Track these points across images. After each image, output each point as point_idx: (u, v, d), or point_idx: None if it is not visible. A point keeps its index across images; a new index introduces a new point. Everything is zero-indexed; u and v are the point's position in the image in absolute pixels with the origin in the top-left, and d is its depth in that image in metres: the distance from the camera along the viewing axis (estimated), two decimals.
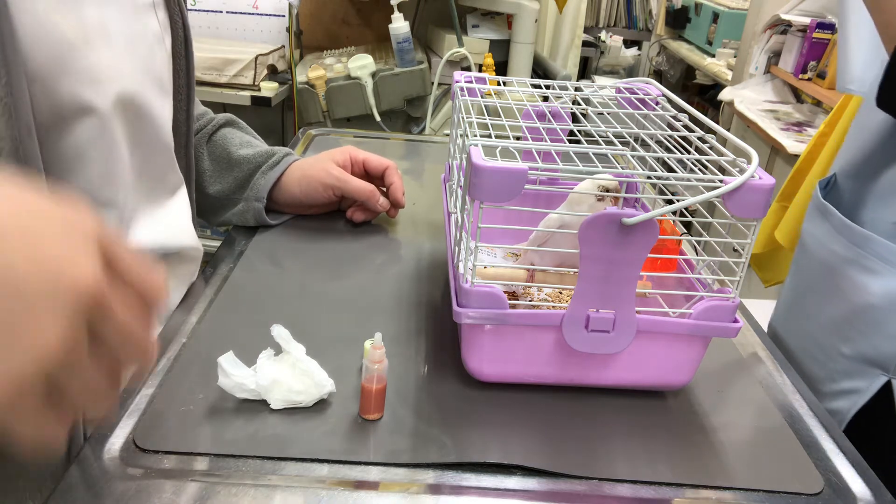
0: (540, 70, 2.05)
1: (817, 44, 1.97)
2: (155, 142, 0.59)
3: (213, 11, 2.09)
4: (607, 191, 0.56)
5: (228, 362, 0.49)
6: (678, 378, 0.56)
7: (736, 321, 0.54)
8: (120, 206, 0.54)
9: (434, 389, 0.55)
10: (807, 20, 2.01)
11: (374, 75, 1.81)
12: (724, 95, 2.22)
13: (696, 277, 0.59)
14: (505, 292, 0.54)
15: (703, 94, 3.16)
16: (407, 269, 0.73)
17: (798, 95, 2.15)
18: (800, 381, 0.63)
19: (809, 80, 2.01)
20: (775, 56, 2.19)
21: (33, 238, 0.28)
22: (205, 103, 1.88)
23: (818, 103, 2.06)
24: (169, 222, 0.62)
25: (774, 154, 1.94)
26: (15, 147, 0.41)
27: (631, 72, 3.68)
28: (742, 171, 0.49)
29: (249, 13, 2.10)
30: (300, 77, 1.83)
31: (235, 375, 0.49)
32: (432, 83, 1.84)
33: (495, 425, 0.52)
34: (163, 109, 0.60)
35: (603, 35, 3.63)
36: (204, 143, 0.79)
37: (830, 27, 1.96)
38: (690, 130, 0.59)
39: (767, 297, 1.77)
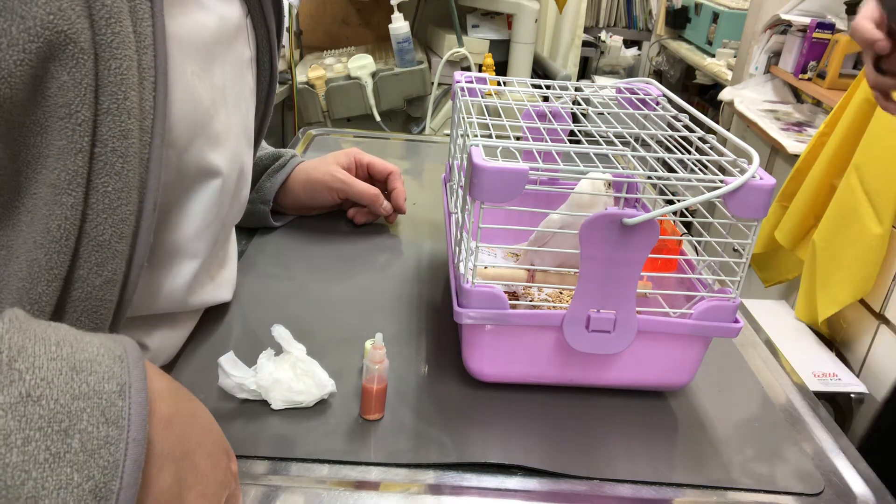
0: (540, 70, 2.05)
1: (817, 44, 1.97)
2: (245, 195, 0.59)
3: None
4: (605, 191, 0.56)
5: (229, 363, 0.49)
6: (679, 378, 0.56)
7: (737, 321, 0.54)
8: (206, 258, 0.54)
9: (434, 389, 0.55)
10: (807, 20, 2.01)
11: (374, 75, 1.81)
12: (724, 95, 2.22)
13: (696, 278, 0.59)
14: (505, 292, 0.54)
15: (703, 94, 3.16)
16: (407, 269, 0.73)
17: (798, 95, 2.15)
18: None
19: (809, 80, 2.00)
20: (775, 56, 2.19)
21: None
22: None
23: (818, 103, 2.06)
24: (229, 277, 0.63)
25: (774, 154, 1.94)
26: (138, 222, 0.40)
27: (631, 72, 3.68)
28: (742, 171, 0.49)
29: None
30: (300, 77, 1.83)
31: (236, 376, 0.49)
32: (432, 83, 1.84)
33: (496, 425, 0.52)
34: (250, 162, 0.60)
35: (603, 35, 3.63)
36: None
37: (830, 27, 1.96)
38: (691, 130, 0.59)
39: (768, 296, 1.77)
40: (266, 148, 0.81)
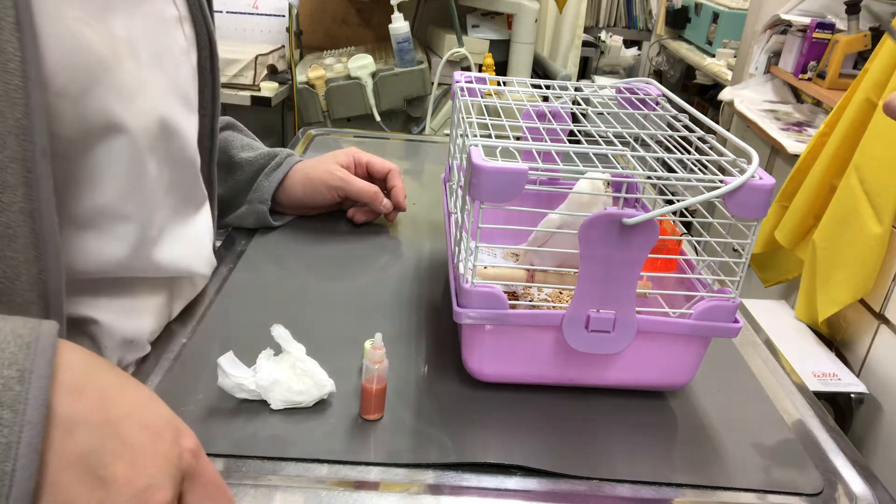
0: (540, 70, 2.05)
1: (817, 44, 1.97)
2: (182, 159, 0.58)
3: (214, 11, 2.09)
4: (605, 191, 0.56)
5: (228, 362, 0.49)
6: (678, 378, 0.56)
7: (736, 321, 0.54)
8: (143, 222, 0.53)
9: (434, 389, 0.55)
10: (807, 20, 2.01)
11: (374, 75, 1.81)
12: (724, 95, 2.22)
13: (696, 277, 0.59)
14: (505, 292, 0.54)
15: (703, 94, 3.16)
16: (407, 269, 0.73)
17: (798, 95, 2.15)
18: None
19: (809, 80, 2.00)
20: (775, 56, 2.19)
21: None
22: None
23: (818, 103, 2.06)
24: (192, 245, 0.62)
25: (774, 154, 1.94)
26: (27, 169, 0.40)
27: (631, 72, 3.68)
28: (742, 171, 0.49)
29: (249, 13, 2.10)
30: (300, 77, 1.83)
31: (235, 376, 0.49)
32: (432, 83, 1.84)
33: (495, 425, 0.52)
34: (189, 126, 0.59)
35: (603, 35, 3.63)
36: None
37: (830, 27, 1.96)
38: (690, 130, 0.59)
39: (768, 296, 1.77)
40: (262, 148, 0.81)
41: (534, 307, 0.57)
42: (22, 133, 0.39)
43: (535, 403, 0.55)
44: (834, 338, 1.55)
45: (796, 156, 1.70)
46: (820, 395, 1.36)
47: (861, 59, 1.91)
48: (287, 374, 0.50)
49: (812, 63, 2.00)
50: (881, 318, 1.41)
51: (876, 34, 1.86)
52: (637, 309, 0.52)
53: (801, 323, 1.58)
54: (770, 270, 1.77)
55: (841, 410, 1.41)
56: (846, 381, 1.40)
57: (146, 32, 0.52)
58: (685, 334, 0.54)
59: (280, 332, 0.50)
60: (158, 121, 0.53)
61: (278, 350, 0.51)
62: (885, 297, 1.39)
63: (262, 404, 0.51)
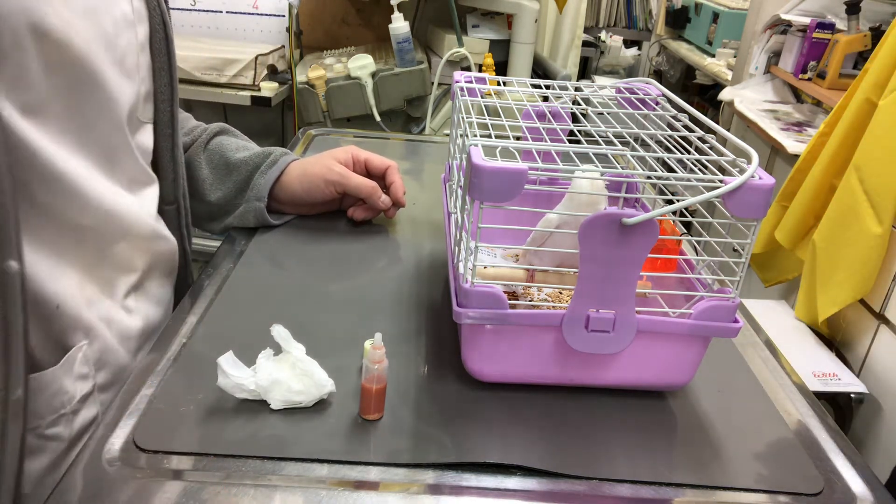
0: (540, 70, 2.05)
1: (817, 44, 1.97)
2: (101, 112, 0.56)
3: (213, 11, 2.09)
4: (604, 191, 0.56)
5: (228, 362, 0.49)
6: (678, 378, 0.56)
7: (736, 321, 0.54)
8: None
9: (434, 389, 0.55)
10: (807, 20, 2.01)
11: (374, 75, 1.80)
12: (724, 95, 2.22)
13: (696, 277, 0.59)
14: (505, 292, 0.54)
15: (703, 94, 3.16)
16: (407, 269, 0.73)
17: (798, 95, 2.15)
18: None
19: (809, 80, 2.00)
20: (775, 56, 2.19)
21: None
22: (205, 103, 1.88)
23: (818, 103, 2.05)
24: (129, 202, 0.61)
25: (774, 154, 1.94)
26: None
27: (631, 72, 3.68)
28: (742, 171, 0.49)
29: (249, 13, 2.10)
30: (300, 77, 1.83)
31: (235, 376, 0.49)
32: (432, 83, 1.84)
33: (495, 425, 0.52)
34: (121, 90, 0.57)
35: (603, 35, 3.62)
36: (201, 153, 0.79)
37: (830, 27, 1.96)
38: (690, 130, 0.59)
39: (768, 296, 1.77)
40: (257, 148, 0.81)
41: (534, 307, 0.57)
42: None
43: (534, 403, 0.55)
44: (834, 338, 1.54)
45: (796, 156, 1.70)
46: (820, 395, 1.36)
47: (861, 59, 1.91)
48: (287, 374, 0.50)
49: (812, 63, 2.00)
50: (881, 318, 1.41)
51: (876, 34, 1.86)
52: (637, 309, 0.52)
53: (801, 323, 1.58)
54: (770, 270, 1.77)
55: (841, 410, 1.41)
56: (846, 381, 1.40)
57: None
58: (685, 334, 0.54)
59: (280, 332, 0.50)
60: (80, 69, 0.52)
61: (278, 350, 0.51)
62: (886, 297, 1.39)
63: (262, 404, 0.51)
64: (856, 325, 1.48)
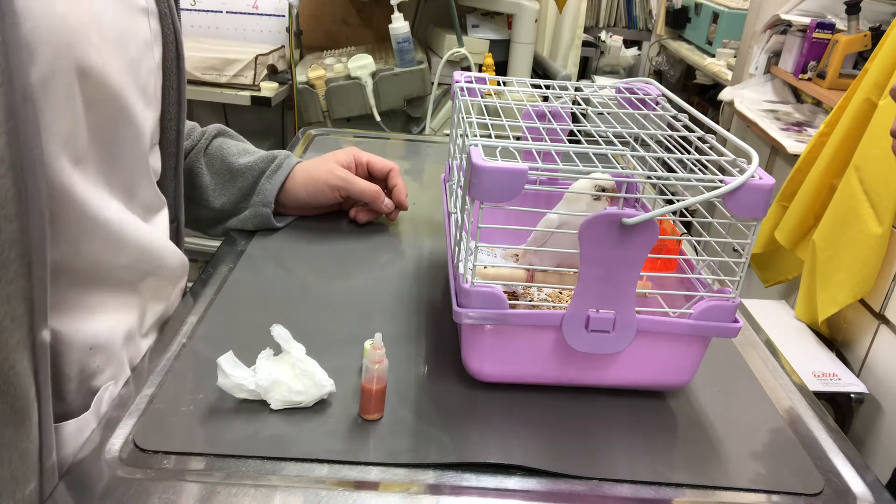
0: (540, 70, 2.05)
1: (817, 44, 1.97)
2: (129, 146, 0.55)
3: (213, 11, 2.09)
4: (603, 190, 0.56)
5: (228, 362, 0.49)
6: (678, 378, 0.56)
7: (736, 321, 0.54)
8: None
9: (434, 389, 0.55)
10: (807, 20, 2.01)
11: (374, 75, 1.81)
12: (724, 95, 2.22)
13: (696, 277, 0.59)
14: (505, 292, 0.54)
15: (703, 94, 3.16)
16: (407, 268, 0.73)
17: (798, 95, 2.15)
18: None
19: (809, 80, 2.00)
20: (775, 56, 2.19)
21: None
22: (205, 104, 1.89)
23: (818, 103, 2.05)
24: (145, 232, 0.59)
25: (774, 154, 1.94)
26: (8, 116, 0.37)
27: (631, 72, 3.68)
28: (742, 171, 0.49)
29: (249, 13, 2.10)
30: (300, 77, 1.83)
31: (235, 376, 0.49)
32: (432, 83, 1.84)
33: (495, 425, 0.52)
34: (145, 119, 0.56)
35: (603, 35, 3.62)
36: (201, 159, 0.78)
37: (830, 27, 1.96)
38: (690, 130, 0.59)
39: (768, 296, 1.77)
40: (259, 152, 0.81)
41: (534, 307, 0.57)
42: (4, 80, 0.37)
43: (534, 403, 0.55)
44: (834, 338, 1.54)
45: (796, 156, 1.70)
46: (820, 395, 1.36)
47: (861, 59, 1.91)
48: (287, 374, 0.50)
49: (812, 63, 2.00)
50: (881, 318, 1.41)
51: (876, 34, 1.86)
52: (637, 309, 0.52)
53: (802, 323, 1.58)
54: (770, 270, 1.77)
55: (841, 410, 1.41)
56: (846, 381, 1.40)
57: (111, 13, 0.50)
58: (685, 334, 0.54)
59: (280, 332, 0.50)
60: (113, 100, 0.50)
61: (278, 350, 0.51)
62: (886, 297, 1.39)
63: (262, 404, 0.51)
64: (856, 325, 1.48)
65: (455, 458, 0.48)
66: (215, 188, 0.78)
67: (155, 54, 0.58)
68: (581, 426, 0.53)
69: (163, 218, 0.63)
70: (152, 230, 0.60)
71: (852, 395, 1.39)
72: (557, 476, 0.48)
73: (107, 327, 0.53)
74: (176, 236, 0.68)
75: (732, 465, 0.51)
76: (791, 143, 1.79)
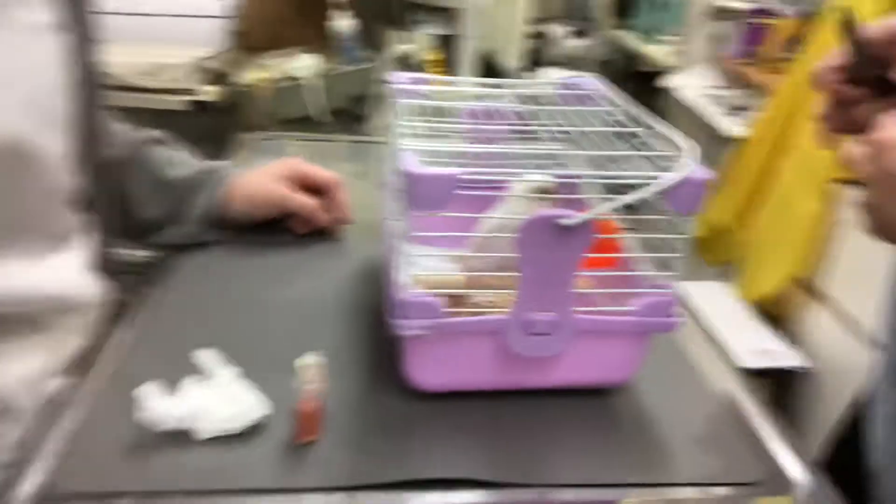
0: (487, 65, 2.04)
1: (756, 29, 2.01)
2: (35, 186, 0.51)
3: (147, 14, 2.02)
4: (542, 192, 0.55)
5: (149, 393, 0.46)
6: (622, 374, 0.56)
7: (676, 315, 0.53)
8: None
9: (374, 404, 0.53)
10: (746, 6, 2.04)
11: (318, 76, 1.77)
12: (668, 82, 2.24)
13: (636, 274, 0.58)
14: (446, 297, 0.52)
15: (648, 81, 3.20)
16: (348, 276, 0.71)
17: (739, 80, 2.19)
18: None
19: (750, 64, 2.04)
20: (717, 42, 2.23)
21: None
22: (141, 110, 1.82)
23: (758, 88, 2.10)
24: (45, 275, 0.56)
25: (717, 139, 1.97)
26: None
27: (578, 63, 3.70)
28: (681, 166, 0.49)
29: (187, 15, 2.04)
30: (241, 80, 1.78)
31: (157, 406, 0.46)
32: (378, 81, 1.82)
33: (439, 437, 0.51)
34: (50, 147, 0.52)
35: (549, 26, 3.63)
36: (132, 168, 0.74)
37: (768, 13, 2.00)
38: (632, 126, 0.58)
39: (710, 278, 1.79)
40: (195, 163, 0.77)
41: (476, 312, 0.56)
42: None
43: (478, 410, 0.54)
44: (773, 315, 1.58)
45: (738, 139, 1.73)
46: (760, 372, 1.39)
47: (797, 43, 1.95)
48: (214, 399, 0.47)
49: (752, 48, 2.03)
50: (818, 296, 1.45)
51: (811, 19, 1.91)
52: (578, 309, 0.51)
53: (742, 302, 1.62)
54: (713, 252, 1.80)
55: (782, 386, 1.45)
56: (786, 357, 1.44)
57: (1, 45, 0.47)
58: (626, 332, 0.53)
59: (205, 357, 0.48)
60: (17, 140, 0.47)
61: (204, 374, 0.49)
62: (823, 275, 1.43)
63: (189, 434, 0.48)
64: (794, 301, 1.52)
65: (397, 477, 0.46)
66: (145, 200, 0.74)
67: (61, 71, 0.54)
68: (525, 431, 0.52)
69: (77, 244, 0.59)
70: (54, 268, 0.56)
71: (793, 371, 1.42)
72: (503, 486, 0.47)
73: (12, 376, 0.51)
74: (102, 257, 0.65)
75: (675, 459, 0.51)
76: (732, 128, 1.82)
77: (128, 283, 0.69)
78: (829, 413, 1.36)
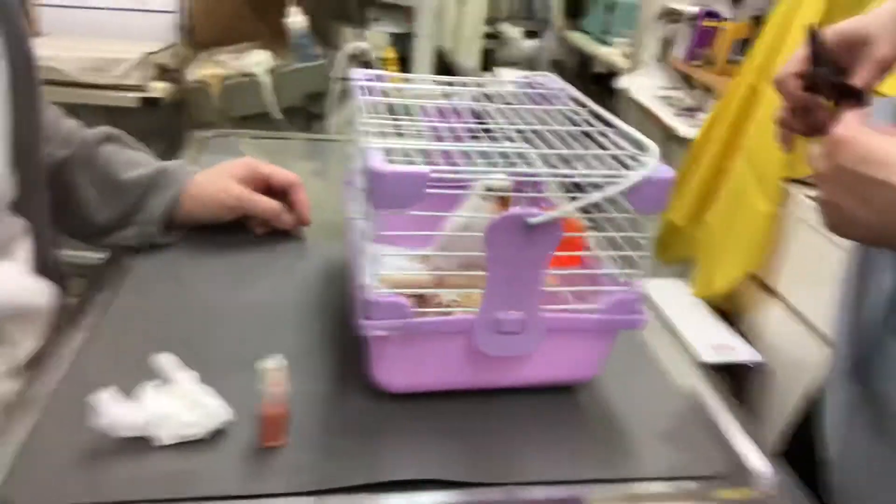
0: (443, 64, 2.04)
1: (705, 32, 2.05)
2: None
3: (94, 8, 1.95)
4: (502, 191, 0.54)
5: (106, 401, 0.44)
6: (588, 372, 0.57)
7: (641, 312, 0.54)
8: None
9: (341, 407, 0.52)
10: (695, 9, 2.09)
11: (271, 72, 1.74)
12: (621, 84, 2.28)
13: (601, 273, 0.59)
14: (412, 296, 0.52)
15: (600, 83, 3.25)
16: (311, 277, 0.70)
17: (690, 82, 2.24)
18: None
19: (700, 66, 2.09)
20: (668, 44, 2.27)
21: None
22: (89, 107, 1.76)
23: (708, 89, 2.15)
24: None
25: (669, 139, 2.01)
26: None
27: (532, 63, 3.73)
28: (642, 165, 0.49)
29: (136, 9, 1.97)
30: (193, 76, 1.74)
31: (116, 413, 0.44)
32: (332, 79, 1.80)
33: (407, 438, 0.50)
34: None
35: (504, 27, 3.65)
36: (83, 169, 0.71)
37: (717, 16, 2.05)
38: (591, 125, 0.59)
39: (666, 275, 1.83)
40: (149, 163, 0.74)
41: (443, 313, 0.55)
42: None
43: (445, 410, 0.53)
44: (729, 311, 1.62)
45: (690, 140, 1.77)
46: (718, 367, 1.43)
47: (746, 46, 2.01)
48: (176, 405, 0.46)
49: (701, 50, 2.08)
50: (771, 292, 1.50)
51: (758, 22, 1.96)
52: (545, 307, 0.51)
53: (698, 299, 1.66)
54: (668, 250, 1.84)
55: (739, 380, 1.49)
56: (742, 352, 1.48)
57: None
58: (593, 330, 0.53)
59: (165, 361, 0.46)
60: None
61: (164, 379, 0.47)
62: (775, 272, 1.48)
63: (150, 441, 0.46)
64: (748, 298, 1.56)
65: (365, 479, 0.46)
66: (97, 202, 0.71)
67: None
68: (492, 429, 0.52)
69: (18, 250, 0.56)
70: (14, 273, 0.53)
71: (749, 365, 1.47)
72: (472, 485, 0.47)
73: None
74: (43, 262, 0.62)
75: (640, 454, 0.51)
76: (684, 129, 1.86)
77: (79, 287, 0.66)
78: (783, 405, 1.40)
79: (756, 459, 0.53)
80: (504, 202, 0.53)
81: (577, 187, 0.56)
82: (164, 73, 1.77)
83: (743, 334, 1.54)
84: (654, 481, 0.50)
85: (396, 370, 0.52)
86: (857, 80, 0.53)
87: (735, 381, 1.48)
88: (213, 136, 1.09)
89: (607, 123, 0.59)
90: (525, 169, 0.51)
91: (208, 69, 1.73)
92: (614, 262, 0.58)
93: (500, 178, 0.52)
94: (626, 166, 0.51)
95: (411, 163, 0.47)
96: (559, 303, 0.54)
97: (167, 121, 1.99)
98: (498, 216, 0.47)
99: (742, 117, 1.56)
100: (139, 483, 0.44)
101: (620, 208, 0.52)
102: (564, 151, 0.53)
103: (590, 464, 0.50)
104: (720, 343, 1.48)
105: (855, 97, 0.55)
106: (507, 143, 0.54)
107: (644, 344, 0.66)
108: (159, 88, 1.72)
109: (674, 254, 1.84)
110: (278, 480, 0.45)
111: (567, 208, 0.48)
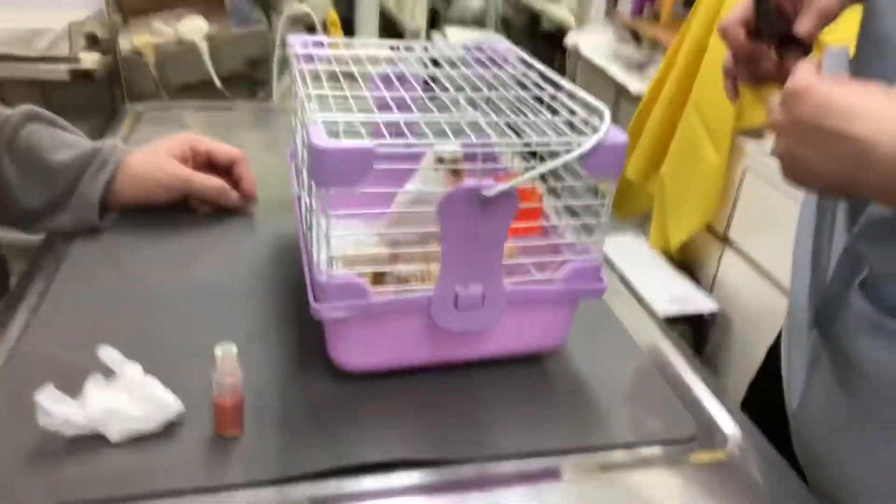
0: (389, 25, 1.98)
1: None
2: None
3: None
4: (453, 161, 0.53)
5: (48, 398, 0.42)
6: (552, 341, 0.56)
7: (601, 280, 0.54)
8: None
9: (299, 390, 0.51)
10: None
11: (208, 38, 1.66)
12: (570, 41, 2.26)
13: (560, 243, 0.58)
14: (369, 272, 0.50)
15: (549, 40, 3.22)
16: (262, 256, 0.68)
17: (638, 37, 2.24)
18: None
19: (646, 21, 2.08)
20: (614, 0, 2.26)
21: None
22: (17, 81, 1.66)
23: (656, 44, 2.15)
24: None
25: (620, 95, 2.01)
26: None
27: (480, 22, 3.67)
28: (595, 129, 0.48)
29: None
30: (125, 45, 1.65)
31: (60, 411, 0.42)
32: (274, 43, 1.73)
33: (370, 420, 0.49)
34: None
35: None
36: (4, 153, 0.66)
37: None
38: (542, 88, 0.57)
39: (623, 231, 1.85)
40: (80, 142, 0.70)
41: (400, 289, 0.54)
42: None
43: (411, 388, 0.52)
44: (686, 263, 1.66)
45: (640, 96, 1.77)
46: (678, 319, 1.46)
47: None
48: (123, 399, 0.43)
49: (647, 4, 2.07)
50: (725, 241, 1.53)
51: None
52: (506, 279, 0.51)
53: (655, 252, 1.68)
54: (623, 205, 1.86)
55: (702, 333, 1.53)
56: (700, 302, 1.51)
57: None
58: (555, 300, 0.53)
59: (109, 353, 0.44)
60: None
61: (109, 373, 0.45)
62: (728, 221, 1.51)
63: (99, 438, 0.44)
64: (704, 249, 1.59)
65: (329, 465, 0.45)
66: (24, 187, 0.67)
67: None
68: (459, 405, 0.52)
69: None
70: None
71: (706, 315, 1.50)
72: (441, 464, 0.46)
73: None
74: None
75: (611, 422, 0.51)
76: (634, 85, 1.86)
77: (8, 274, 0.62)
78: (746, 356, 1.44)
79: (724, 419, 0.53)
80: (457, 173, 0.52)
81: (532, 155, 0.55)
82: (94, 43, 1.67)
83: (703, 286, 1.58)
84: (626, 448, 0.49)
85: (356, 350, 0.51)
86: (800, 28, 0.53)
87: (697, 333, 1.52)
88: (150, 110, 1.04)
89: (557, 86, 0.58)
90: (477, 137, 0.49)
91: (142, 37, 1.64)
92: (572, 230, 0.57)
93: (451, 148, 0.51)
94: (579, 131, 0.50)
95: (356, 136, 0.45)
96: (519, 274, 0.53)
97: (102, 94, 1.90)
98: (451, 189, 0.46)
99: (690, 72, 1.56)
100: (93, 481, 0.42)
101: (576, 175, 0.51)
102: (517, 119, 0.51)
103: (561, 434, 0.50)
104: (678, 294, 1.51)
105: (798, 45, 0.55)
106: (458, 112, 0.52)
107: (606, 304, 0.65)
108: (90, 59, 1.63)
109: (630, 209, 1.86)
110: (238, 471, 0.44)
111: (521, 178, 0.46)
